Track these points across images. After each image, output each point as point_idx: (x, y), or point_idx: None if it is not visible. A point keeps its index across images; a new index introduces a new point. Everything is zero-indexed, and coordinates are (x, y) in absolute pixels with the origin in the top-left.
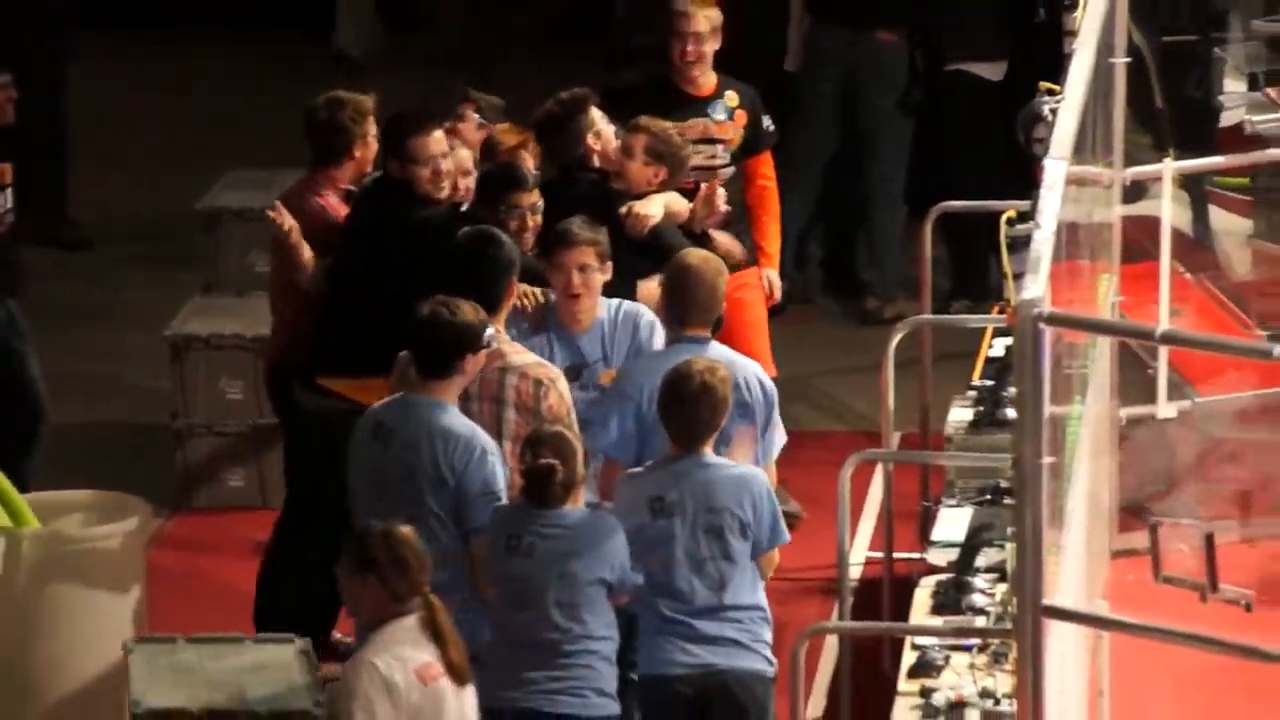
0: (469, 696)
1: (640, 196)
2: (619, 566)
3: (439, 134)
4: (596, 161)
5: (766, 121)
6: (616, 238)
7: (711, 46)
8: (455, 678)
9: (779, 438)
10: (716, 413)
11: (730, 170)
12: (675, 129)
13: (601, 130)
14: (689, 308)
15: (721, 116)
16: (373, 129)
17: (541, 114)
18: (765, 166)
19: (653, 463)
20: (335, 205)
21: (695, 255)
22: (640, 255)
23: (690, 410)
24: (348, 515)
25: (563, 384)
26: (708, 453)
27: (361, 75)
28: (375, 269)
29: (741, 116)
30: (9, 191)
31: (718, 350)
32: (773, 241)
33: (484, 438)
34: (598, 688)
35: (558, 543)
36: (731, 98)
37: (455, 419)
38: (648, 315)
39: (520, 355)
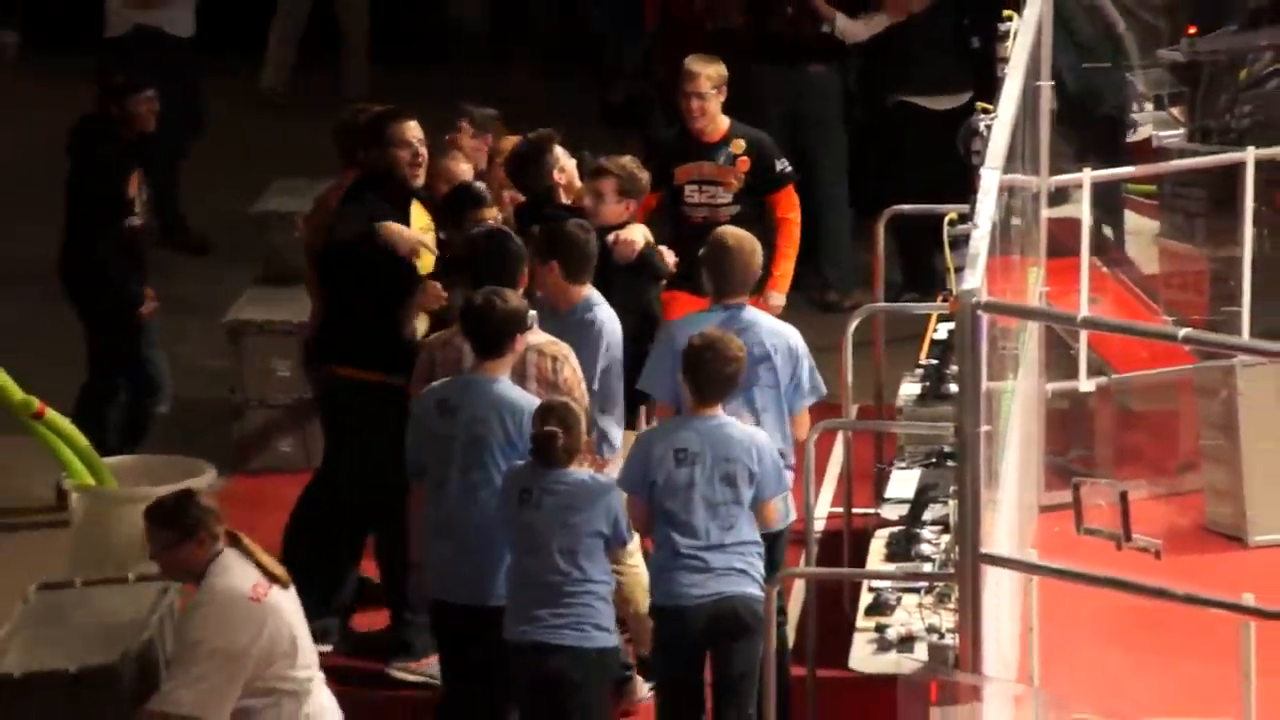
0: (293, 594)
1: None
2: (614, 521)
3: (415, 123)
4: (562, 195)
5: (780, 164)
6: (606, 262)
7: (716, 101)
8: (279, 584)
9: (807, 391)
10: (730, 377)
11: (734, 208)
12: (631, 161)
13: (565, 166)
14: (724, 280)
15: (722, 161)
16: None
17: (511, 153)
18: (785, 202)
19: (676, 418)
20: None
21: (732, 235)
22: (632, 276)
23: (706, 374)
24: (369, 478)
25: (574, 359)
26: (720, 412)
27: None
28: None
29: (744, 162)
30: (144, 193)
31: (751, 315)
32: (782, 266)
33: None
34: (595, 623)
35: (561, 498)
36: (738, 144)
37: (516, 391)
38: (605, 323)
39: (536, 335)
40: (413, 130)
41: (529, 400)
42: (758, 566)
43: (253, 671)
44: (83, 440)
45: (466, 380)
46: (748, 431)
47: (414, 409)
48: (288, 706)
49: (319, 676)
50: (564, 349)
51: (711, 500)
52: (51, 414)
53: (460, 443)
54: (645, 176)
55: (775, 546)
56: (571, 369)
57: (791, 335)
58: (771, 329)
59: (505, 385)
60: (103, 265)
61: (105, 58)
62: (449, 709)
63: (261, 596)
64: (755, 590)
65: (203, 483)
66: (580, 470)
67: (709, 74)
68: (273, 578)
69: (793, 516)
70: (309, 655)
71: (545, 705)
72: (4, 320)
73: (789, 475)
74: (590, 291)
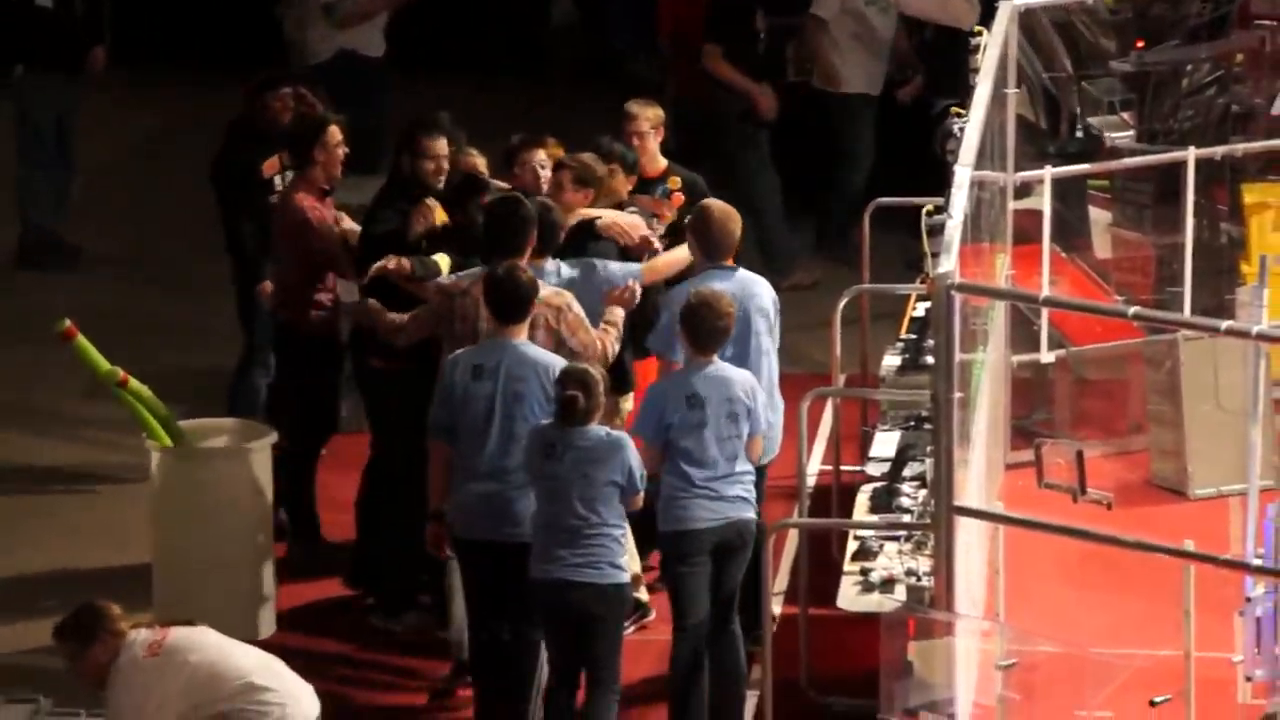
0: (203, 629)
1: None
2: (629, 472)
3: (444, 139)
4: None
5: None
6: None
7: (654, 140)
8: (177, 624)
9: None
10: (723, 330)
11: (665, 240)
12: (588, 156)
13: (548, 165)
14: (710, 245)
15: (659, 194)
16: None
17: (504, 151)
18: None
19: (681, 369)
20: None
21: (714, 205)
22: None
23: (702, 328)
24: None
25: (576, 304)
26: (717, 360)
27: None
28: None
29: (678, 199)
30: (284, 177)
31: (741, 276)
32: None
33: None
34: (610, 561)
35: (582, 452)
36: (674, 181)
37: (543, 351)
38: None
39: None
40: (441, 147)
41: (557, 359)
42: (753, 492)
43: (190, 703)
44: (161, 406)
45: (496, 344)
46: (743, 374)
47: (446, 375)
48: None
49: (279, 691)
50: (566, 297)
51: (719, 436)
52: (134, 382)
53: (501, 399)
54: (601, 169)
55: (761, 478)
56: (574, 314)
57: (773, 294)
58: (764, 284)
59: (531, 346)
60: (238, 236)
61: (310, 79)
62: (482, 647)
63: (159, 649)
64: (753, 515)
65: (264, 444)
66: (599, 428)
67: (647, 115)
68: (171, 623)
69: (775, 452)
70: (243, 677)
71: (569, 636)
72: (97, 302)
73: (779, 415)
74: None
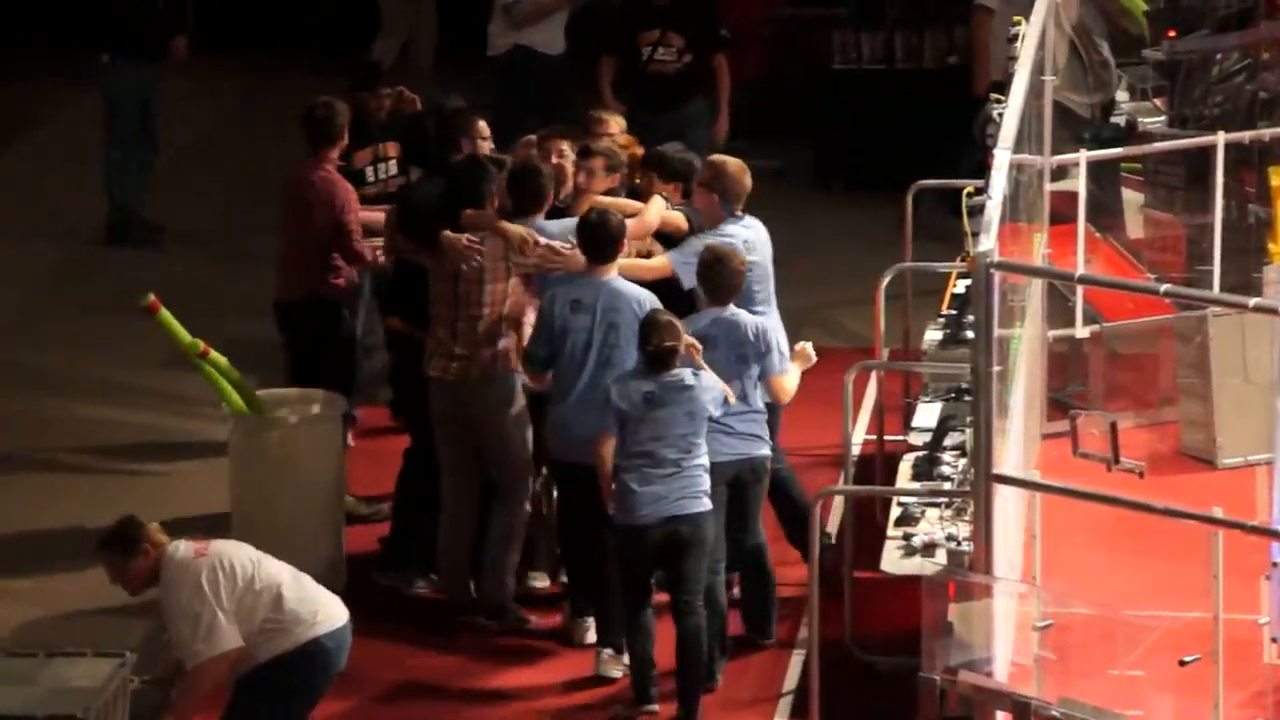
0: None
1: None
2: (717, 402)
3: (484, 123)
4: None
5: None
6: None
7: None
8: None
9: None
10: (735, 285)
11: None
12: (613, 141)
13: (566, 154)
14: (729, 194)
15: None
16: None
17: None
18: None
19: (699, 315)
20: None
21: (721, 158)
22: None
23: (718, 281)
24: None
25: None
26: (732, 307)
27: None
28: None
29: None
30: (388, 167)
31: (750, 221)
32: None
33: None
34: (705, 490)
35: (679, 393)
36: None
37: (633, 286)
38: None
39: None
40: (485, 128)
41: (646, 293)
42: (764, 430)
43: (236, 600)
44: (239, 376)
45: (590, 282)
46: (753, 319)
47: (545, 310)
48: (278, 640)
49: (313, 614)
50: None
51: (727, 376)
52: (214, 354)
53: (600, 328)
54: (625, 154)
55: (774, 417)
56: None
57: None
58: (761, 234)
59: (622, 281)
60: None
61: (488, 74)
62: (573, 563)
63: (205, 551)
64: (765, 450)
65: (333, 411)
66: (683, 370)
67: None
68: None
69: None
70: (279, 583)
71: (673, 561)
72: (178, 275)
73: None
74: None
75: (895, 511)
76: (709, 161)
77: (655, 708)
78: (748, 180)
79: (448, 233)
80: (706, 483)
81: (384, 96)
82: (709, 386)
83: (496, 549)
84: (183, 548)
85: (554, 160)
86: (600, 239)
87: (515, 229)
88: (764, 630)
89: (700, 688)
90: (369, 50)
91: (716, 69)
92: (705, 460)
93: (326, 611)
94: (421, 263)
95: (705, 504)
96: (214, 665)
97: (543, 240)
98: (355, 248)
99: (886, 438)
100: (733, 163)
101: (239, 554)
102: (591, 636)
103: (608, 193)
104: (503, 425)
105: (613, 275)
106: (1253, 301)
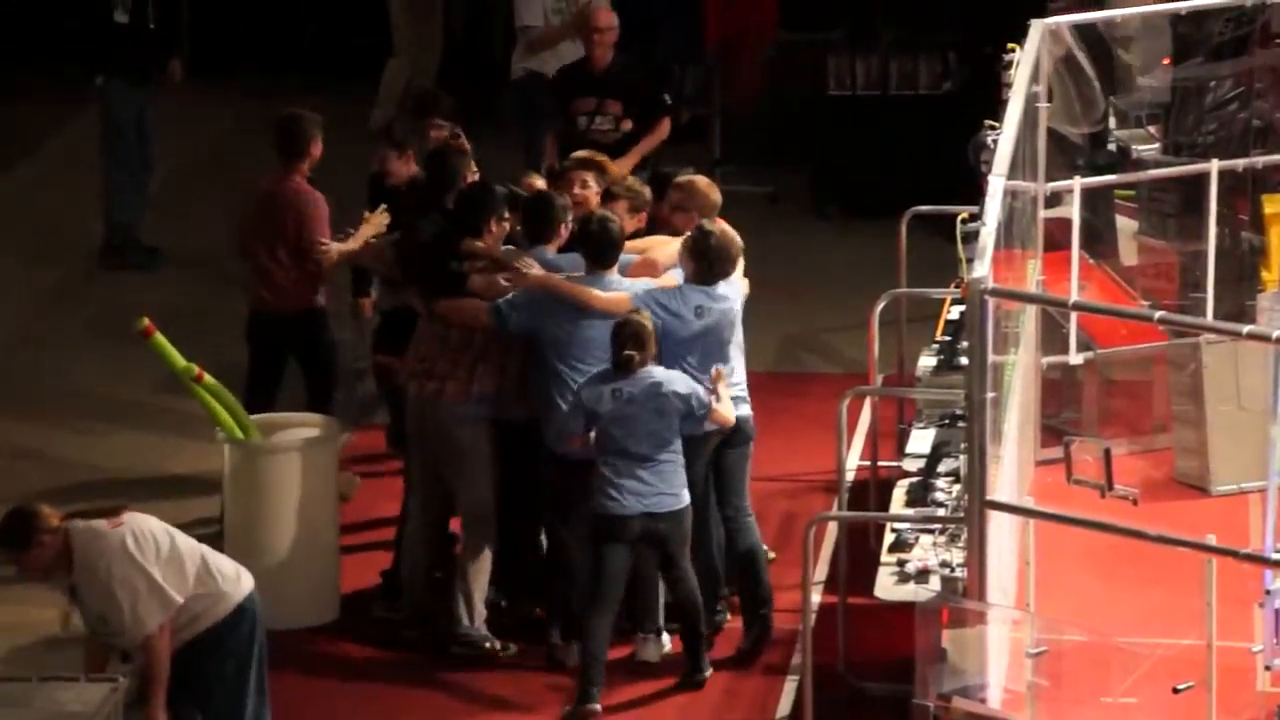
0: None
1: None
2: (700, 401)
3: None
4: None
5: None
6: None
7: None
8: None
9: None
10: (731, 261)
11: None
12: (635, 181)
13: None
14: (705, 210)
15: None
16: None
17: (548, 171)
18: None
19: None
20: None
21: (688, 178)
22: None
23: (712, 256)
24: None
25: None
26: (721, 287)
27: None
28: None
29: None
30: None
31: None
32: None
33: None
34: (682, 484)
35: (649, 391)
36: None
37: (634, 282)
38: None
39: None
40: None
41: (645, 282)
42: (747, 394)
43: (163, 565)
44: (233, 400)
45: (597, 280)
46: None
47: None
48: (218, 606)
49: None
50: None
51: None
52: (208, 378)
53: (601, 327)
54: (647, 191)
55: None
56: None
57: None
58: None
59: (621, 280)
60: None
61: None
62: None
63: (120, 521)
64: (748, 411)
65: (331, 435)
66: (652, 368)
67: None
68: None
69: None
70: (197, 554)
71: (655, 549)
72: (174, 298)
73: None
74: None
75: (889, 537)
76: (677, 184)
77: (597, 707)
78: (717, 195)
79: (475, 276)
80: (682, 477)
81: (442, 130)
82: (677, 379)
83: (462, 581)
84: (92, 523)
85: (577, 190)
86: (602, 244)
87: (510, 257)
88: (752, 624)
89: (702, 641)
90: (384, 69)
91: (655, 129)
92: (679, 457)
93: (244, 574)
94: (412, 304)
95: (683, 499)
96: (169, 627)
97: (538, 270)
98: (320, 259)
99: (880, 464)
100: (700, 180)
101: (152, 523)
102: (652, 654)
103: (633, 235)
104: (469, 456)
105: (615, 277)
106: (1246, 329)
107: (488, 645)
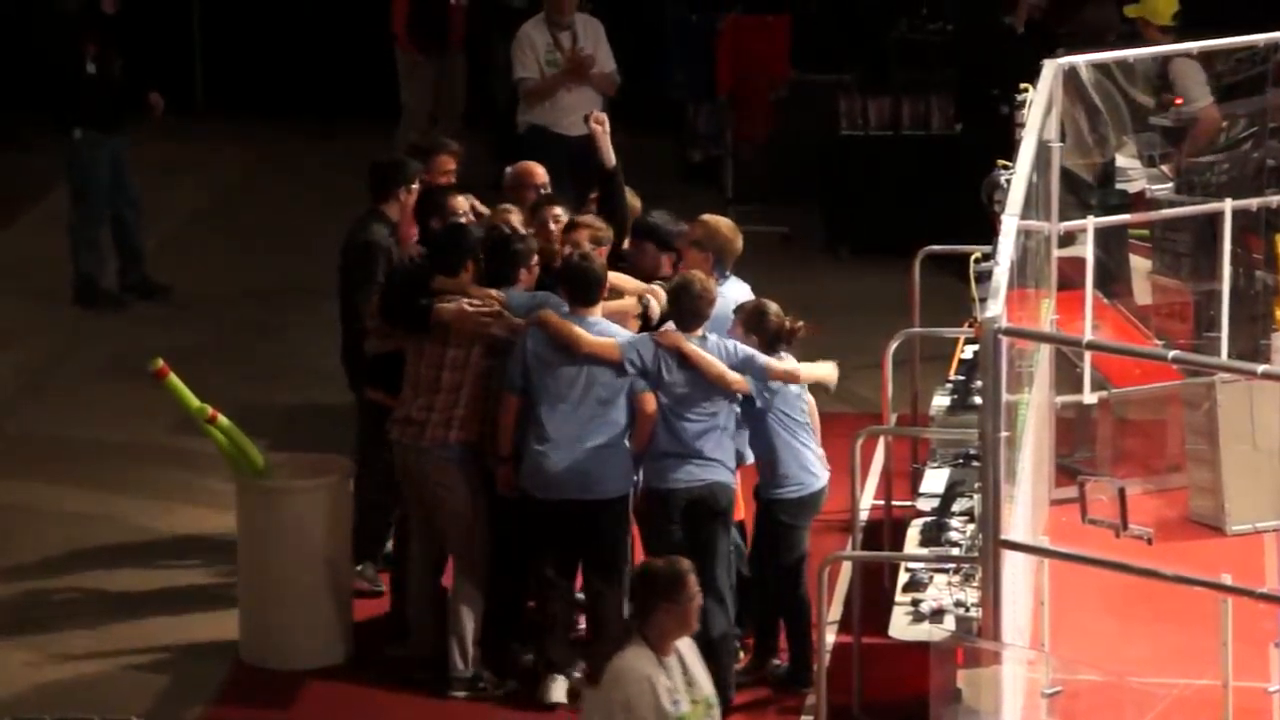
0: None
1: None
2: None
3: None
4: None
5: None
6: None
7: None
8: None
9: None
10: (702, 313)
11: None
12: (596, 219)
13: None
14: (723, 253)
15: None
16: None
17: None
18: None
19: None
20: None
21: (714, 218)
22: None
23: (688, 307)
24: None
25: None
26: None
27: None
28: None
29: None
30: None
31: (738, 282)
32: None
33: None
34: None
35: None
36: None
37: (615, 327)
38: None
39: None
40: (458, 204)
41: (627, 332)
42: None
43: None
44: (246, 441)
45: (578, 322)
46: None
47: (523, 341)
48: None
49: None
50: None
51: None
52: (221, 419)
53: (584, 369)
54: (607, 229)
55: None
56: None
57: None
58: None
59: (605, 324)
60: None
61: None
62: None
63: None
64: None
65: (340, 475)
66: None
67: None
68: None
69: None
70: None
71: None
72: (188, 339)
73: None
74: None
75: (903, 577)
76: (701, 221)
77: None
78: (740, 242)
79: (445, 305)
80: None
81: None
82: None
83: (454, 622)
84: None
85: (551, 226)
86: (585, 281)
87: (480, 296)
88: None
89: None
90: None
91: None
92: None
93: None
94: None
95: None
96: None
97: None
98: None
99: (894, 503)
100: (725, 223)
101: None
102: (558, 694)
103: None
104: (451, 498)
105: (596, 318)
106: (1260, 368)
107: (481, 685)
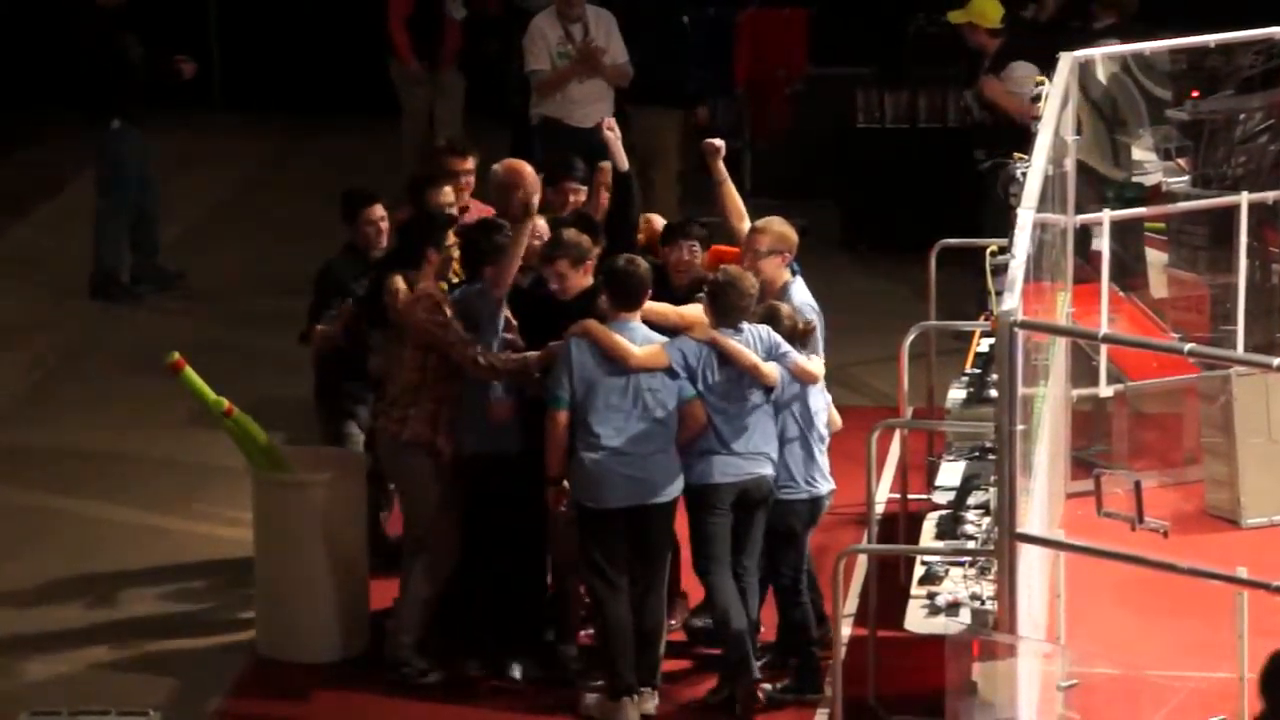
0: None
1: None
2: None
3: (379, 207)
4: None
5: None
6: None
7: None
8: None
9: None
10: (745, 308)
11: None
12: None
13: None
14: (793, 250)
15: None
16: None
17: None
18: None
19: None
20: None
21: (771, 221)
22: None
23: (727, 304)
24: None
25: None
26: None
27: None
28: None
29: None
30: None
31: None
32: None
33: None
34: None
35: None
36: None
37: (655, 334)
38: None
39: None
40: (377, 211)
41: (662, 337)
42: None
43: None
44: (263, 434)
45: (620, 327)
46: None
47: (568, 354)
48: None
49: None
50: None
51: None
52: (238, 412)
53: (632, 378)
54: (586, 240)
55: None
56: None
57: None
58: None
59: (644, 329)
60: None
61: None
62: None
63: None
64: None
65: (356, 470)
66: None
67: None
68: None
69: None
70: None
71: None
72: (205, 332)
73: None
74: None
75: (919, 570)
76: (766, 230)
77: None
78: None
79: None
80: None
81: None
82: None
83: (397, 604)
84: None
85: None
86: (629, 286)
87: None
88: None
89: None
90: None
91: None
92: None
93: None
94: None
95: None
96: None
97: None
98: None
99: (910, 496)
100: (781, 222)
101: None
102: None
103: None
104: (409, 489)
105: (637, 323)
106: (1276, 361)
107: (405, 670)
